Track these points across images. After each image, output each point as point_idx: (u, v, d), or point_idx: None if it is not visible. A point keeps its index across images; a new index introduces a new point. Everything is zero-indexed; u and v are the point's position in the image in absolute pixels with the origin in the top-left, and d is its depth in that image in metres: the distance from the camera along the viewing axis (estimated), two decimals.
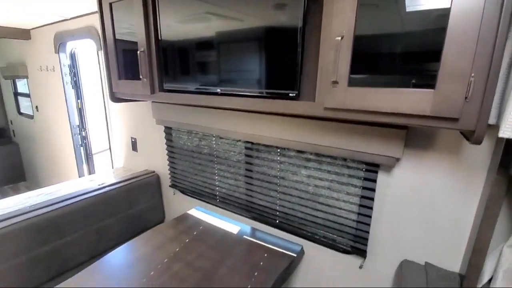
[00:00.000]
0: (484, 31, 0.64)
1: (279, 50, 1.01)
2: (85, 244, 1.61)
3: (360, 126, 1.08)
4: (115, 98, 1.66)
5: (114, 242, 1.74)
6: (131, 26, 1.40)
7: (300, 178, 1.36)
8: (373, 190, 1.16)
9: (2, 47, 3.59)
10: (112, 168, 2.46)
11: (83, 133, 2.94)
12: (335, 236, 1.32)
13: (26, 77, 3.32)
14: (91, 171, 3.05)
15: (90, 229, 1.63)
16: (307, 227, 1.40)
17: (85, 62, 2.80)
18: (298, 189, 1.38)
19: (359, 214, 1.22)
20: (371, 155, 1.09)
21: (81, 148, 2.97)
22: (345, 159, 1.22)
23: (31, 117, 3.56)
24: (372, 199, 1.17)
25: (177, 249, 1.33)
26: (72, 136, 2.90)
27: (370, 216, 1.19)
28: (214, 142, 1.68)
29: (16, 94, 3.91)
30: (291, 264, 1.28)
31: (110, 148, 2.46)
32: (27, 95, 3.53)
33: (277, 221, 1.50)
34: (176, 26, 1.26)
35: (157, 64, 1.37)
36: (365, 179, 1.17)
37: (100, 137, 2.98)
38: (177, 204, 2.03)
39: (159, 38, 1.32)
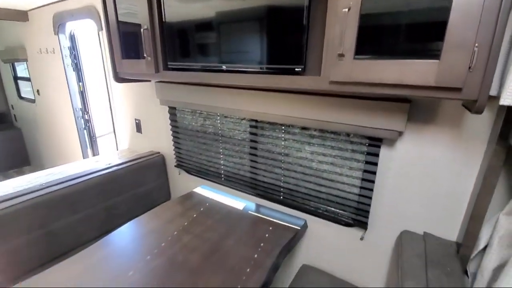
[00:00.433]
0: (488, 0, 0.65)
1: (285, 25, 1.01)
2: (96, 221, 1.67)
3: (364, 100, 1.10)
4: (119, 78, 1.66)
5: (123, 219, 1.80)
6: (133, 5, 1.38)
7: (304, 155, 1.39)
8: (376, 164, 1.19)
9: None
10: (117, 150, 2.50)
11: (86, 116, 2.95)
12: (338, 210, 1.37)
13: (26, 60, 3.29)
14: (95, 154, 3.08)
15: (100, 207, 1.69)
16: (311, 202, 1.44)
17: (85, 43, 2.77)
18: (302, 165, 1.41)
19: (361, 188, 1.26)
20: (374, 129, 1.11)
21: (85, 131, 3.00)
22: (348, 135, 1.24)
23: (33, 101, 3.55)
24: (374, 173, 1.20)
25: (186, 223, 1.39)
26: (75, 119, 2.92)
27: (372, 190, 1.23)
28: (218, 121, 1.70)
29: (16, 78, 3.89)
30: (295, 236, 1.34)
31: (114, 130, 2.48)
32: (27, 79, 3.51)
33: (281, 197, 1.55)
34: (180, 3, 1.25)
35: (161, 42, 1.36)
36: (368, 153, 1.21)
37: (104, 120, 2.99)
38: (183, 183, 2.07)
39: (163, 15, 1.30)
